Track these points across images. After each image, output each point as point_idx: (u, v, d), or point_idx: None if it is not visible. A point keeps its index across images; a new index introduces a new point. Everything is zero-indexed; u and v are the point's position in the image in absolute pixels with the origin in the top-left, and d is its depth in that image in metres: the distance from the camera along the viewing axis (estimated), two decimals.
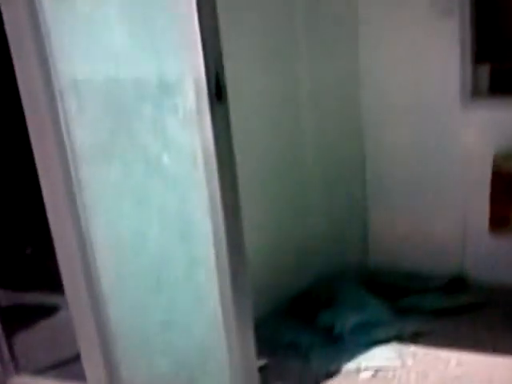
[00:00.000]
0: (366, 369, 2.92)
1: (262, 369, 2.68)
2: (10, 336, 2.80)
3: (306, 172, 3.45)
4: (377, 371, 2.89)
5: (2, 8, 2.02)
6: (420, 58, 2.91)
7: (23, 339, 3.08)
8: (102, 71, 1.97)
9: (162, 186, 1.97)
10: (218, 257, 1.93)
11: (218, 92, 1.79)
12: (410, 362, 2.94)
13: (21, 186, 3.26)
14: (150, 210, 2.03)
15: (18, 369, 2.79)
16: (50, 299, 3.30)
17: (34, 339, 3.23)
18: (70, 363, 2.70)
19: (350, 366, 2.96)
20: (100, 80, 1.98)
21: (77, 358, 2.41)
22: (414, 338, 3.13)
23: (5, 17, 2.03)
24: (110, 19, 1.90)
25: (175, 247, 2.03)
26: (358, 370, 2.92)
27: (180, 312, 2.13)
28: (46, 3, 1.96)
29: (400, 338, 3.12)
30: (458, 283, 3.52)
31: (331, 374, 2.92)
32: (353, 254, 3.69)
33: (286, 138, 3.32)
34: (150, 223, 2.05)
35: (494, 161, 2.79)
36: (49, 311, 3.37)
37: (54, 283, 2.37)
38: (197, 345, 2.13)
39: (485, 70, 2.75)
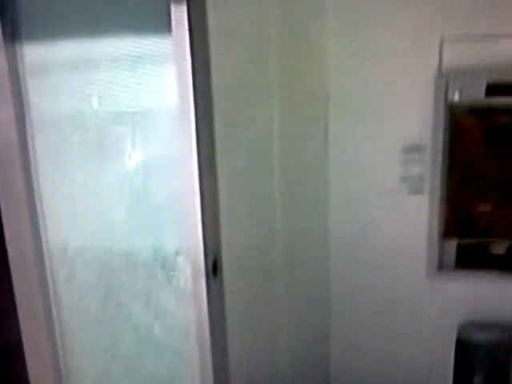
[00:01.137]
0: None
1: None
2: None
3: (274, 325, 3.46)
4: None
5: None
6: (386, 232, 3.01)
7: None
8: (96, 241, 1.99)
9: (151, 355, 1.97)
10: None
11: (214, 268, 1.84)
12: None
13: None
14: (138, 376, 2.00)
15: None
16: None
17: None
18: None
19: None
20: (93, 249, 1.99)
21: None
22: None
23: None
24: (107, 190, 1.95)
25: None
26: None
27: None
28: (40, 170, 2.01)
29: None
30: None
31: None
32: None
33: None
34: None
35: (459, 331, 2.89)
36: None
37: None
38: None
39: (452, 245, 2.88)
